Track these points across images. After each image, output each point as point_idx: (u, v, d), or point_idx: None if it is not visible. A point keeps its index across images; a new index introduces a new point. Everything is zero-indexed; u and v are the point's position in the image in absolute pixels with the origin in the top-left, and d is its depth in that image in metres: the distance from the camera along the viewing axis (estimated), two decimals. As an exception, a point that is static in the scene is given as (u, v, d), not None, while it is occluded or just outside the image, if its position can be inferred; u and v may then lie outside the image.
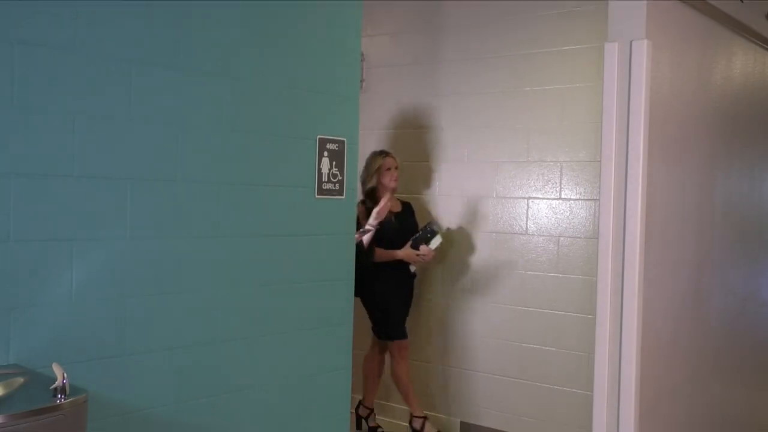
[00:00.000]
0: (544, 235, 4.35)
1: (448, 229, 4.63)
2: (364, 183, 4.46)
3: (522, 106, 4.41)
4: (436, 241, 4.37)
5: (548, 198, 4.33)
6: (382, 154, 4.47)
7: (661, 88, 3.07)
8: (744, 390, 4.31)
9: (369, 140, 4.67)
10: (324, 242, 2.74)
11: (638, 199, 2.94)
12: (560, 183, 4.29)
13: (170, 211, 2.27)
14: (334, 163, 2.75)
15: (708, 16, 3.47)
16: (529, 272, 4.40)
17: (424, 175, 4.77)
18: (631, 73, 2.94)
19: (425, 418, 4.50)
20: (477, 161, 4.59)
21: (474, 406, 4.63)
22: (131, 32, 2.15)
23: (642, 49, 2.91)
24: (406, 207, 4.57)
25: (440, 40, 4.74)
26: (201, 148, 2.34)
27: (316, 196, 2.70)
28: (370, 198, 4.43)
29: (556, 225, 4.30)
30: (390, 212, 4.30)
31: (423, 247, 4.36)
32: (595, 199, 4.09)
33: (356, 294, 4.30)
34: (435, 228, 4.42)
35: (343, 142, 2.78)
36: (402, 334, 4.47)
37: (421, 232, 4.40)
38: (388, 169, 4.43)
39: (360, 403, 4.63)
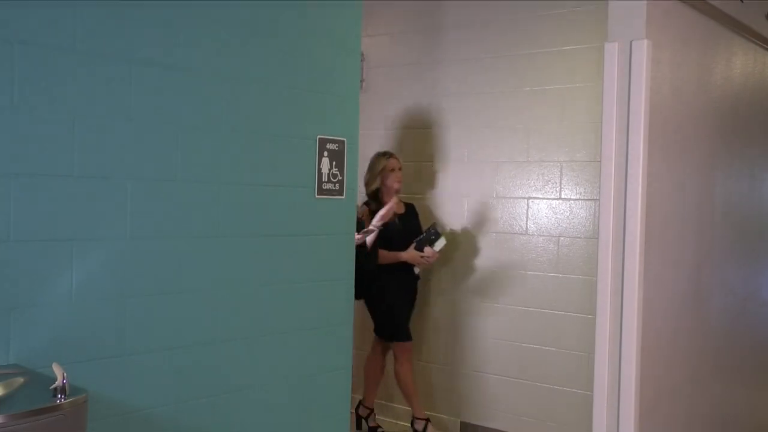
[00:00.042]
0: (544, 235, 4.35)
1: (451, 230, 4.63)
2: (367, 184, 4.45)
3: (522, 106, 4.41)
4: (440, 243, 4.36)
5: (548, 198, 4.33)
6: (386, 155, 4.47)
7: (661, 88, 3.07)
8: (744, 390, 4.31)
9: (369, 140, 4.66)
10: (324, 242, 2.74)
11: (638, 199, 2.94)
12: (560, 183, 4.29)
13: (170, 211, 2.27)
14: (334, 163, 2.75)
15: (708, 16, 3.47)
16: (529, 272, 4.40)
17: (423, 175, 4.77)
18: (631, 73, 2.94)
19: (428, 420, 4.50)
20: (477, 161, 4.59)
21: (474, 406, 4.63)
22: (131, 32, 2.15)
23: (642, 49, 2.91)
24: (410, 208, 4.56)
25: (440, 40, 4.74)
26: (201, 148, 2.34)
27: (316, 196, 2.70)
28: (374, 199, 4.42)
29: (556, 225, 4.30)
30: (394, 213, 4.29)
31: (427, 249, 4.35)
32: (595, 199, 4.09)
33: (360, 296, 4.33)
34: (439, 230, 4.41)
35: (343, 142, 2.78)
36: (406, 336, 4.47)
37: (425, 234, 4.39)
38: (392, 170, 4.42)
39: (360, 403, 4.63)
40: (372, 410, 4.63)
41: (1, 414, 1.54)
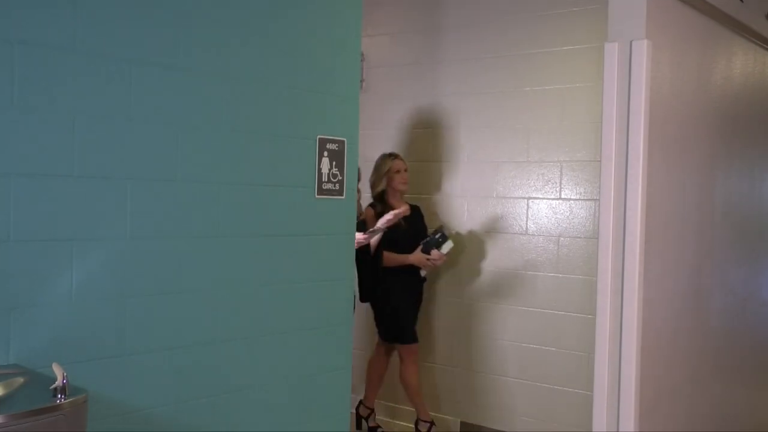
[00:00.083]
0: (544, 235, 4.35)
1: (457, 233, 4.62)
2: (373, 186, 4.44)
3: (522, 106, 4.41)
4: (447, 246, 4.35)
5: (548, 198, 4.33)
6: (392, 156, 4.46)
7: (661, 88, 3.07)
8: (744, 390, 4.31)
9: (369, 140, 4.66)
10: (324, 242, 2.74)
11: (638, 199, 2.94)
12: (560, 183, 4.29)
13: (170, 211, 2.27)
14: (334, 163, 2.75)
15: (708, 16, 3.47)
16: (529, 272, 4.40)
17: (423, 175, 4.77)
18: (631, 73, 2.94)
19: (432, 423, 4.49)
20: (477, 161, 4.59)
21: (474, 406, 4.63)
22: (131, 32, 2.15)
23: (642, 49, 2.91)
24: (415, 210, 4.54)
25: (440, 40, 4.74)
26: (201, 148, 2.34)
27: (316, 196, 2.70)
28: (380, 201, 4.41)
29: (556, 225, 4.30)
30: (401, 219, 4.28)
31: (434, 252, 4.33)
32: (595, 199, 4.09)
33: (366, 298, 4.32)
34: (446, 232, 4.39)
35: (343, 142, 2.78)
36: (412, 338, 4.45)
37: (432, 237, 4.37)
38: (398, 171, 4.41)
39: (361, 402, 4.63)
40: (372, 410, 4.63)
41: (1, 414, 1.54)
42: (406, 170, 4.45)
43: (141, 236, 2.19)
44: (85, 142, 2.05)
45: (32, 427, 1.58)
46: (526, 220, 4.41)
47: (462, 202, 4.65)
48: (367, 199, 4.48)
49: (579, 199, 4.23)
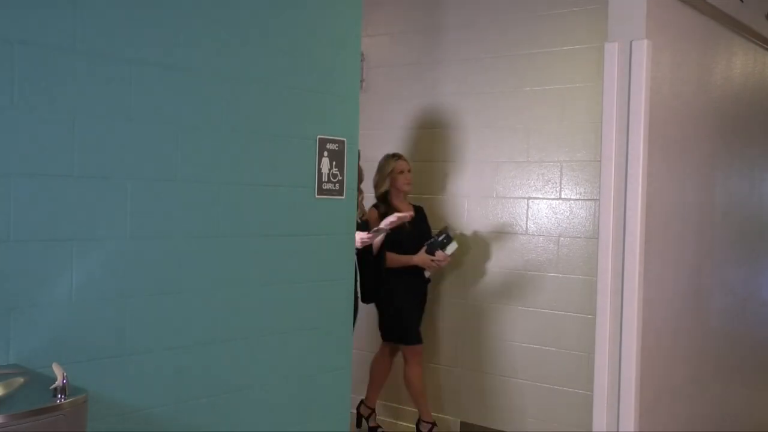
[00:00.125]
0: (544, 235, 4.35)
1: (462, 234, 4.61)
2: (376, 186, 4.44)
3: (522, 106, 4.41)
4: (452, 247, 4.34)
5: (548, 198, 4.33)
6: (395, 156, 4.46)
7: (661, 88, 3.07)
8: (744, 390, 4.31)
9: (369, 140, 4.66)
10: (324, 242, 2.74)
11: (638, 199, 2.94)
12: (560, 183, 4.29)
13: (170, 211, 2.27)
14: (334, 163, 2.75)
15: (708, 16, 3.47)
16: (529, 272, 4.40)
17: (422, 175, 4.76)
18: (631, 73, 2.94)
19: (434, 423, 4.49)
20: (477, 161, 4.59)
21: (474, 406, 4.63)
22: (131, 32, 2.15)
23: (642, 49, 2.91)
24: (419, 211, 4.54)
25: (440, 40, 4.74)
26: (201, 148, 2.34)
27: (316, 196, 2.70)
28: (383, 202, 4.40)
29: (556, 225, 4.30)
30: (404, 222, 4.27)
31: (439, 253, 4.33)
32: (595, 199, 4.09)
33: (369, 299, 4.31)
34: (451, 233, 4.38)
35: (343, 142, 2.78)
36: (416, 339, 4.44)
37: (436, 238, 4.36)
38: (401, 172, 4.41)
39: (362, 402, 4.63)
40: (373, 410, 4.63)
41: (1, 414, 1.54)
42: (409, 171, 4.44)
43: (141, 236, 2.19)
44: (85, 142, 2.05)
45: (32, 427, 1.58)
46: (526, 220, 4.41)
47: (462, 202, 4.65)
48: (369, 199, 4.48)
49: (579, 199, 4.23)
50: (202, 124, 2.34)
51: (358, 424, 4.63)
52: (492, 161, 4.53)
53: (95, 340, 2.09)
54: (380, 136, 4.90)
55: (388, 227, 4.05)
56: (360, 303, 4.17)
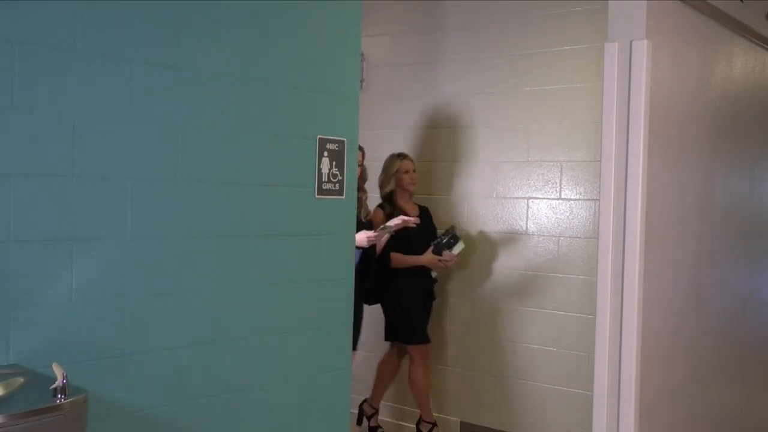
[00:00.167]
0: (544, 235, 4.35)
1: (467, 233, 4.60)
2: (381, 186, 4.43)
3: (522, 106, 4.41)
4: (458, 247, 4.34)
5: (548, 198, 4.33)
6: (400, 156, 4.45)
7: (661, 88, 3.07)
8: (744, 390, 4.31)
9: (369, 141, 4.66)
10: (324, 242, 2.74)
11: (638, 199, 2.94)
12: (560, 183, 4.29)
13: (170, 211, 2.27)
14: (334, 163, 2.75)
15: (708, 16, 3.47)
16: (529, 272, 4.40)
17: (422, 175, 4.76)
18: (631, 73, 2.94)
19: (434, 424, 4.49)
20: (477, 161, 4.59)
21: (474, 406, 4.63)
22: (131, 32, 2.15)
23: (642, 49, 2.91)
24: (424, 211, 4.53)
25: (440, 40, 4.74)
26: (201, 148, 2.34)
27: (316, 196, 2.70)
28: (389, 201, 4.39)
29: (556, 225, 4.30)
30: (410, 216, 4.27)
31: (446, 253, 4.32)
32: (595, 199, 4.09)
33: (375, 300, 4.31)
34: (457, 233, 4.38)
35: (343, 142, 2.78)
36: (422, 339, 4.43)
37: (443, 238, 4.35)
38: (406, 171, 4.40)
39: (366, 400, 4.62)
40: (376, 411, 4.62)
41: (1, 414, 1.54)
42: (414, 170, 4.44)
43: (141, 236, 2.19)
44: (85, 142, 2.05)
45: (32, 427, 1.58)
46: (526, 220, 4.41)
47: (462, 202, 4.65)
48: (373, 199, 4.47)
49: (579, 199, 4.23)
50: (202, 124, 2.34)
51: (359, 422, 4.63)
52: (492, 161, 4.53)
53: (95, 340, 2.09)
54: (380, 136, 4.90)
55: (393, 230, 4.03)
56: (363, 306, 4.16)
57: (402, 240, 4.23)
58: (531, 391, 4.39)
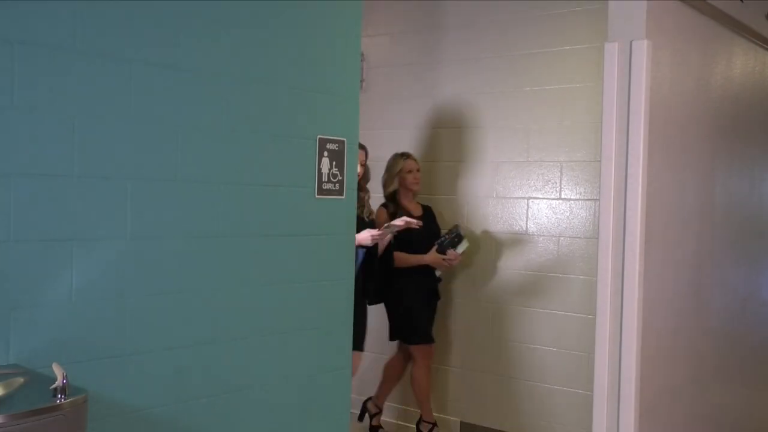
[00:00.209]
0: (544, 235, 4.34)
1: (472, 232, 4.60)
2: (385, 185, 4.42)
3: (522, 106, 4.41)
4: (463, 246, 4.34)
5: (548, 198, 4.33)
6: (404, 156, 4.44)
7: (661, 88, 3.07)
8: (744, 390, 4.31)
9: (369, 141, 4.66)
10: (324, 242, 2.74)
11: (638, 199, 2.94)
12: (560, 183, 4.29)
13: (170, 211, 2.27)
14: (334, 163, 2.75)
15: (708, 16, 3.47)
16: (528, 272, 4.40)
17: (422, 175, 4.76)
18: (631, 73, 2.94)
19: (434, 424, 4.49)
20: (477, 161, 4.59)
21: (474, 406, 4.63)
22: (131, 32, 2.15)
23: (642, 49, 2.91)
24: (427, 211, 4.53)
25: (440, 40, 4.74)
26: (201, 148, 2.34)
27: (316, 196, 2.70)
28: (392, 201, 4.39)
29: (556, 225, 4.30)
30: (413, 216, 4.26)
31: (450, 252, 4.31)
32: (595, 199, 4.09)
33: (378, 300, 4.30)
34: (462, 232, 4.37)
35: (343, 142, 2.78)
36: (424, 339, 4.42)
37: (447, 237, 4.34)
38: (410, 171, 4.40)
39: (372, 399, 4.62)
40: (380, 410, 4.62)
41: (1, 414, 1.54)
42: (418, 170, 4.44)
43: (141, 236, 2.19)
44: (85, 142, 2.05)
45: (32, 427, 1.58)
46: (526, 220, 4.41)
47: (462, 202, 4.65)
48: (376, 199, 4.46)
49: (579, 199, 4.23)
50: (202, 124, 2.34)
51: (360, 418, 4.62)
52: (492, 161, 4.53)
53: (95, 340, 2.09)
54: (380, 136, 4.89)
55: (396, 229, 4.02)
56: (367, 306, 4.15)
57: (405, 240, 4.23)
58: (531, 391, 4.39)
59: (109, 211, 2.12)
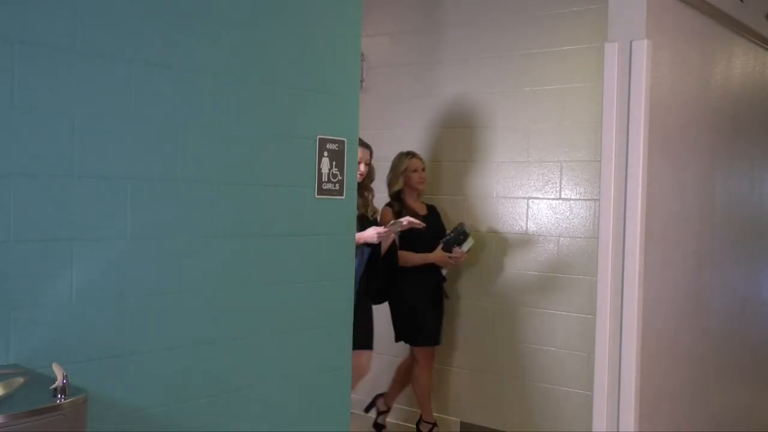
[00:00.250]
0: (544, 235, 4.34)
1: (477, 230, 4.58)
2: (390, 185, 4.41)
3: (522, 106, 4.41)
4: (468, 243, 4.33)
5: (548, 198, 4.33)
6: (409, 155, 4.43)
7: (661, 88, 3.07)
8: (744, 390, 4.32)
9: (369, 140, 4.66)
10: (324, 242, 2.74)
11: (638, 199, 2.94)
12: (560, 183, 4.29)
13: (170, 211, 2.27)
14: (334, 163, 2.75)
15: (708, 15, 3.47)
16: (528, 272, 4.40)
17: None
18: (631, 73, 2.94)
19: (434, 424, 4.48)
20: (477, 161, 4.59)
21: (474, 406, 4.63)
22: (131, 32, 2.15)
23: (642, 49, 2.91)
24: (432, 210, 4.52)
25: (440, 40, 4.74)
26: (201, 148, 2.34)
27: (316, 196, 2.70)
28: (397, 200, 4.38)
29: (556, 225, 4.30)
30: (418, 215, 4.26)
31: (456, 250, 4.30)
32: (595, 199, 4.09)
33: (382, 299, 4.29)
34: (467, 230, 4.36)
35: (343, 142, 2.78)
36: (430, 341, 4.40)
37: (452, 235, 4.33)
38: (415, 170, 4.39)
39: (381, 396, 4.61)
40: (389, 409, 4.61)
41: (1, 414, 1.54)
42: (423, 169, 4.43)
43: (141, 236, 2.19)
44: (85, 142, 2.05)
45: (32, 427, 1.58)
46: (526, 220, 4.41)
47: (461, 202, 4.65)
48: (380, 198, 4.45)
49: (579, 199, 4.23)
50: (202, 124, 2.34)
51: (367, 410, 4.61)
52: (492, 161, 4.53)
53: (95, 340, 2.09)
54: (380, 136, 4.89)
55: (400, 228, 4.01)
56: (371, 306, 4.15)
57: (410, 239, 4.22)
58: (531, 391, 4.39)
59: (109, 211, 2.12)
